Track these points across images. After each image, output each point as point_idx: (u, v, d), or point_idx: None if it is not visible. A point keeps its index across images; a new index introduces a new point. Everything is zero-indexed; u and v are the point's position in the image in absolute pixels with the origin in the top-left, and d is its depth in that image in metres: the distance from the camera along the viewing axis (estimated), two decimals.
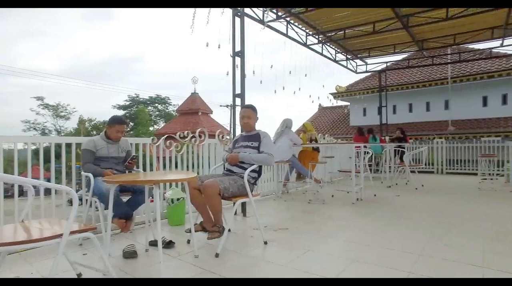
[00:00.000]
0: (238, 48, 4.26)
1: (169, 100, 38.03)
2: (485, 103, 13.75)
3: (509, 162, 7.05)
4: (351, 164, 5.04)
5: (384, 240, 2.90)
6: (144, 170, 3.75)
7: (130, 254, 2.49)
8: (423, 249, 2.58)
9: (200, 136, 4.22)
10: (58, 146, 3.18)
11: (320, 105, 21.74)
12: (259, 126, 3.17)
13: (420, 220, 3.68)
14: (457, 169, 9.91)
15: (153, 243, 2.70)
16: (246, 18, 4.50)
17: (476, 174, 8.14)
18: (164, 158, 3.98)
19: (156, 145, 3.81)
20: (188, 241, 2.85)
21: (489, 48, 9.88)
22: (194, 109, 24.22)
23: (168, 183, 3.93)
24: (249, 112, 3.08)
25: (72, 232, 1.63)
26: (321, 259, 2.44)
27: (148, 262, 2.44)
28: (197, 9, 4.46)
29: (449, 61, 11.62)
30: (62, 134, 32.41)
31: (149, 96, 37.11)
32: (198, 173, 4.23)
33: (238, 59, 4.29)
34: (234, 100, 4.28)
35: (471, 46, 11.30)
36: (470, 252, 2.51)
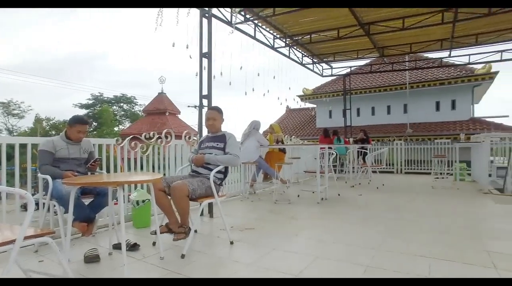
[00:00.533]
0: (205, 49, 4.26)
1: (135, 100, 36.90)
2: (438, 108, 14.82)
3: (457, 162, 7.67)
4: (316, 165, 5.22)
5: (346, 237, 3.05)
6: (108, 171, 3.63)
7: (92, 258, 2.41)
8: (381, 244, 2.75)
9: (166, 137, 4.16)
10: (10, 147, 2.98)
11: (287, 107, 22.16)
12: (228, 127, 3.21)
13: (380, 217, 3.91)
14: (415, 169, 10.56)
15: (117, 246, 2.64)
16: (214, 20, 4.51)
17: (430, 173, 8.74)
18: (129, 159, 3.88)
19: (121, 145, 3.70)
20: (154, 243, 2.81)
21: (440, 58, 10.69)
22: (162, 109, 23.67)
23: (133, 185, 3.84)
24: (214, 114, 3.11)
25: (27, 237, 1.55)
26: (286, 257, 2.51)
27: (111, 265, 2.38)
28: (164, 8, 4.40)
29: (406, 68, 12.39)
30: (15, 134, 30.22)
31: (114, 95, 35.71)
32: (164, 174, 4.18)
33: (206, 61, 4.29)
34: (201, 102, 4.27)
35: (425, 55, 12.15)
36: (422, 245, 2.72)
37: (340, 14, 6.69)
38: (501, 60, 9.15)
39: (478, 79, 13.16)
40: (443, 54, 9.76)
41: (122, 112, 36.84)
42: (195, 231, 3.14)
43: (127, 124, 34.82)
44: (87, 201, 2.74)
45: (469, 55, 9.38)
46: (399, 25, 7.04)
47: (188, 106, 31.93)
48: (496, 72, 12.81)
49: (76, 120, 2.93)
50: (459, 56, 9.53)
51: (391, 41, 8.56)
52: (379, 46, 8.90)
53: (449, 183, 7.21)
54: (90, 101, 34.29)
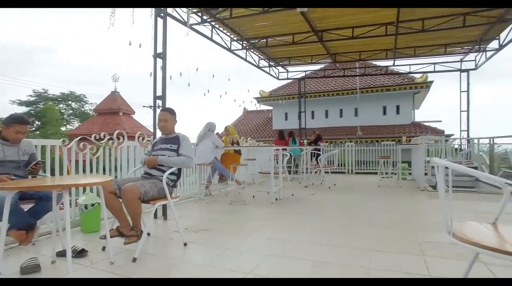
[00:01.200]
0: (160, 50, 4.20)
1: (85, 98, 34.51)
2: (384, 112, 16.00)
3: (399, 163, 8.35)
4: (271, 166, 5.36)
5: (298, 235, 3.20)
6: (53, 174, 3.41)
7: (30, 269, 2.23)
8: (329, 240, 2.93)
9: (118, 138, 4.02)
10: None
11: (245, 109, 22.34)
12: (184, 129, 3.20)
13: (330, 215, 4.15)
14: (364, 169, 11.24)
15: (62, 254, 2.49)
16: (173, 21, 4.46)
17: (377, 173, 9.39)
18: (77, 161, 3.68)
19: (68, 147, 3.50)
20: (104, 248, 2.71)
21: (386, 66, 11.60)
22: (115, 109, 22.59)
23: (81, 188, 3.65)
24: (166, 115, 3.09)
25: None
26: (239, 256, 2.58)
27: (54, 274, 2.25)
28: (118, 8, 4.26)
29: (357, 74, 13.20)
30: None
31: (61, 93, 33.06)
32: (116, 177, 4.03)
33: (161, 61, 4.22)
34: (155, 102, 4.20)
35: (374, 62, 13.08)
36: (366, 239, 2.96)
37: (294, 20, 6.97)
38: (434, 71, 10.30)
39: (417, 87, 14.49)
40: (389, 63, 10.61)
41: (70, 111, 34.31)
42: (148, 234, 3.09)
43: (76, 124, 32.54)
44: (27, 207, 2.56)
45: (409, 65, 10.34)
46: (349, 34, 7.51)
47: (143, 106, 30.83)
48: (431, 82, 14.21)
49: (15, 120, 2.71)
50: (402, 65, 10.47)
51: (343, 48, 9.09)
52: (331, 52, 9.39)
53: (393, 182, 7.82)
54: (32, 98, 31.46)
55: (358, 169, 11.30)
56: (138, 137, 4.35)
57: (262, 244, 2.95)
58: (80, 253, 2.55)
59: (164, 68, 4.15)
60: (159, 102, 4.21)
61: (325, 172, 8.00)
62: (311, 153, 8.80)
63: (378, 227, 3.46)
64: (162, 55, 4.17)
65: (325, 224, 3.63)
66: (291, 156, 7.66)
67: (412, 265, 2.28)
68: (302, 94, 12.55)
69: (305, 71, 12.36)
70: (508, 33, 7.44)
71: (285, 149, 6.12)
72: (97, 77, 68.07)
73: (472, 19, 6.71)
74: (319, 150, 8.81)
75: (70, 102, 33.97)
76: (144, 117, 45.89)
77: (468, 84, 10.23)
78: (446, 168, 1.46)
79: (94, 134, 3.82)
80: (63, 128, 30.59)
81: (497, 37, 8.08)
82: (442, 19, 6.71)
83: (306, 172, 8.19)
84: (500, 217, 1.61)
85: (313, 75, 14.21)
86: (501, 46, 8.09)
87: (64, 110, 33.36)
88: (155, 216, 3.90)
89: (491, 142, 6.77)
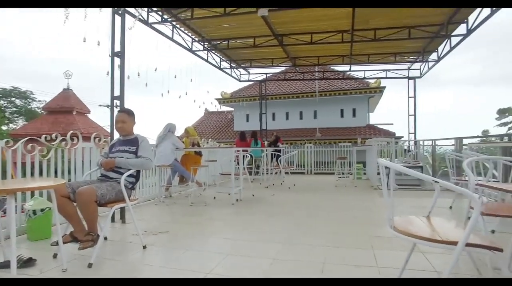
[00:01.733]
0: (118, 48, 4.06)
1: (32, 95, 31.81)
2: (342, 115, 16.79)
3: (354, 163, 8.84)
4: (232, 167, 5.42)
5: (257, 234, 3.29)
6: None
7: None
8: (288, 238, 3.06)
9: (72, 139, 3.82)
10: None
11: (206, 110, 22.14)
12: (143, 130, 3.14)
13: (289, 214, 4.29)
14: (322, 170, 11.66)
15: (5, 265, 2.27)
16: (130, 18, 4.34)
17: (334, 173, 9.83)
18: (24, 163, 3.43)
19: (12, 148, 3.26)
20: (55, 255, 2.57)
21: (343, 71, 12.22)
22: (67, 107, 21.15)
23: (29, 192, 3.41)
24: (124, 116, 3.02)
25: None
26: (199, 256, 2.60)
27: None
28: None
29: (316, 77, 13.72)
30: None
31: (1, 88, 30.20)
32: (69, 180, 3.82)
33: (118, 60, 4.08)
34: (112, 103, 4.05)
35: (332, 67, 13.71)
36: (322, 236, 3.13)
37: (256, 23, 7.10)
38: (386, 78, 11.10)
39: (372, 92, 15.44)
40: (346, 68, 11.20)
41: (14, 109, 31.47)
42: (105, 238, 2.99)
43: (21, 123, 29.94)
44: None
45: (364, 71, 11.00)
46: (308, 40, 7.82)
47: (100, 105, 29.18)
48: (384, 87, 15.24)
49: None
50: (357, 71, 11.12)
51: (302, 52, 9.42)
52: (292, 56, 9.69)
53: (349, 181, 8.26)
54: None
55: (317, 170, 11.70)
56: (94, 138, 4.17)
57: (223, 244, 2.99)
58: (26, 263, 2.37)
59: (122, 67, 4.02)
60: (117, 102, 4.08)
61: (285, 173, 8.23)
62: (272, 154, 8.99)
63: (334, 224, 3.67)
64: (120, 54, 4.05)
65: (284, 223, 3.76)
66: (252, 157, 7.77)
67: (363, 258, 2.47)
68: (263, 96, 12.76)
69: (266, 73, 12.59)
70: (444, 47, 8.36)
71: (246, 150, 6.20)
72: (50, 72, 63.15)
73: (416, 32, 7.45)
74: (279, 151, 9.01)
75: (13, 98, 31.14)
76: (102, 117, 43.57)
77: (415, 90, 11.14)
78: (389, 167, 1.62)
79: (44, 135, 3.59)
80: (4, 127, 28.02)
81: (436, 50, 8.98)
82: (391, 30, 7.31)
83: (267, 173, 8.35)
84: (433, 211, 1.82)
85: (274, 78, 14.50)
86: (439, 58, 9.03)
87: (4, 108, 30.49)
88: (113, 219, 3.77)
89: (433, 144, 7.42)
